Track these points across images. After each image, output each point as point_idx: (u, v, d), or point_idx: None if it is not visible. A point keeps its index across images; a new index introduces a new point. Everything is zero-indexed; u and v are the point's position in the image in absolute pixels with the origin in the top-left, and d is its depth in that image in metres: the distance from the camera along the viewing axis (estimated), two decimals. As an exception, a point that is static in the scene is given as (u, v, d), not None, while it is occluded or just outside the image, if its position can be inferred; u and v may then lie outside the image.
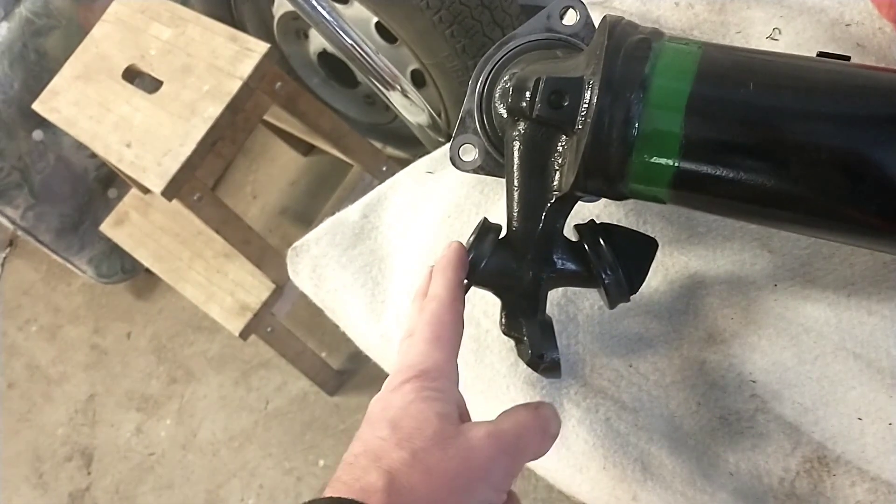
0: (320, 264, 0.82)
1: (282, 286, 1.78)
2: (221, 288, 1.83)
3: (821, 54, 0.57)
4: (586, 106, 0.55)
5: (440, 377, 0.53)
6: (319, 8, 0.85)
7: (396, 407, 0.51)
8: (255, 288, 1.79)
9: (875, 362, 0.59)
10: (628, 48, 0.54)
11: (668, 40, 0.55)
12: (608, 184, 0.56)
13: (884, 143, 0.49)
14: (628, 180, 0.55)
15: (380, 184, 1.85)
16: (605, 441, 0.65)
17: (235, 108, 1.55)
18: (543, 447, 0.54)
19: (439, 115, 1.85)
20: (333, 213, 1.90)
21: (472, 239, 0.63)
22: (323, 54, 1.85)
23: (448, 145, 0.88)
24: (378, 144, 1.97)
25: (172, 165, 1.53)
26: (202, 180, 1.60)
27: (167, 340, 2.35)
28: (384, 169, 1.85)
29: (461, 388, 0.60)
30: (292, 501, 1.94)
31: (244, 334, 1.77)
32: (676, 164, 0.53)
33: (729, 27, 0.78)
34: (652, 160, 0.53)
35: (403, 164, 1.96)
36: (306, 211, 2.28)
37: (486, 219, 0.63)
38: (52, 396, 2.46)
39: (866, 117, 0.50)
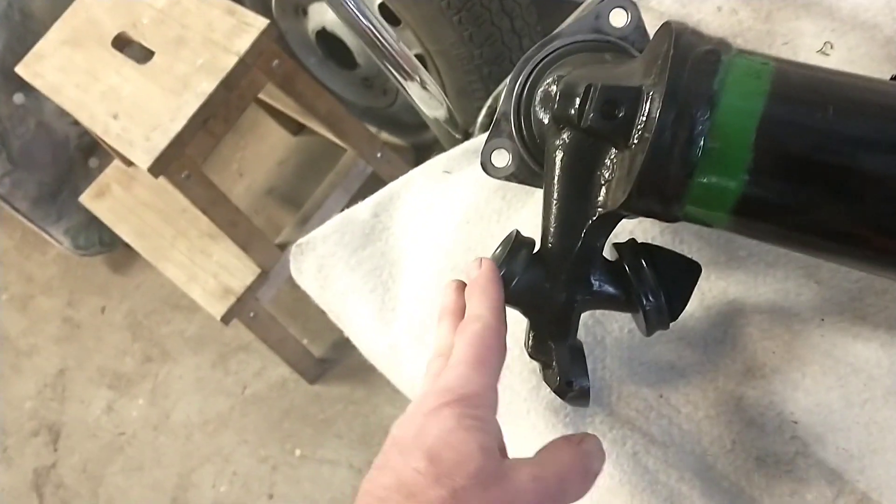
0: (327, 264, 0.77)
1: (267, 271, 1.72)
2: (204, 269, 1.77)
3: (895, 77, 0.53)
4: (644, 119, 0.50)
5: (482, 405, 0.48)
6: (340, -13, 0.80)
7: (434, 435, 0.46)
8: (239, 271, 1.73)
9: (929, 411, 0.56)
10: (695, 60, 0.49)
11: (738, 54, 0.50)
12: (662, 205, 0.51)
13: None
14: (685, 202, 0.50)
15: (374, 170, 1.81)
16: (633, 477, 0.60)
17: (230, 84, 1.49)
18: (585, 489, 0.50)
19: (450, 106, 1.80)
20: (324, 199, 1.86)
21: (498, 252, 0.58)
22: (322, 33, 1.79)
23: (466, 144, 0.83)
24: (373, 129, 1.91)
25: (161, 141, 1.47)
26: (191, 158, 1.54)
27: (143, 317, 2.29)
28: (379, 155, 1.80)
29: None
30: (266, 490, 1.89)
31: (226, 318, 1.72)
32: (741, 190, 0.48)
33: (775, 37, 0.73)
34: (715, 183, 0.49)
35: (399, 150, 1.93)
36: (294, 193, 2.22)
37: (518, 232, 0.59)
38: (20, 368, 2.39)
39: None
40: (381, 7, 1.57)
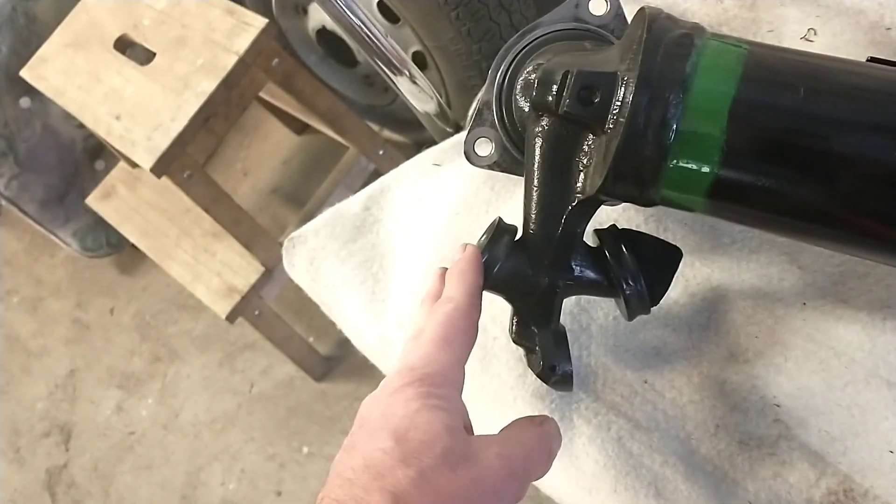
0: (318, 257, 0.77)
1: (271, 269, 1.73)
2: (209, 268, 1.78)
3: (871, 59, 0.53)
4: (619, 104, 0.50)
5: (445, 384, 0.49)
6: (326, -16, 0.80)
7: (399, 415, 0.47)
8: (243, 269, 1.74)
9: (910, 392, 0.56)
10: (668, 44, 0.49)
11: (712, 37, 0.50)
12: (639, 188, 0.51)
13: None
14: (661, 186, 0.51)
15: (376, 167, 1.81)
16: (617, 462, 0.61)
17: (230, 83, 1.50)
18: (546, 468, 0.51)
19: (440, 97, 1.80)
20: (327, 196, 1.87)
21: (483, 239, 0.59)
22: (322, 31, 1.80)
23: (457, 136, 0.84)
24: (375, 127, 1.92)
25: (163, 141, 1.48)
26: (193, 157, 1.55)
27: (151, 318, 2.30)
28: (381, 152, 1.81)
29: (465, 398, 0.57)
30: (274, 488, 1.90)
31: (231, 317, 1.73)
32: (715, 172, 0.49)
33: (760, 24, 0.73)
34: (689, 166, 0.49)
35: (401, 147, 1.94)
36: (298, 191, 2.23)
37: (500, 219, 0.59)
38: (31, 370, 2.41)
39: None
40: (380, 5, 1.58)
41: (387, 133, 1.97)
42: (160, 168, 1.49)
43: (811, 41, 0.71)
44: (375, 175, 1.85)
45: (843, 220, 0.49)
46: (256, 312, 1.78)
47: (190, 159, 1.54)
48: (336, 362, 1.97)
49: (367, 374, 2.06)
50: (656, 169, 0.50)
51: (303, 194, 2.11)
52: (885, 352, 0.57)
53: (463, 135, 0.84)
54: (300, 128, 2.28)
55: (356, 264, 0.76)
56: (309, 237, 0.78)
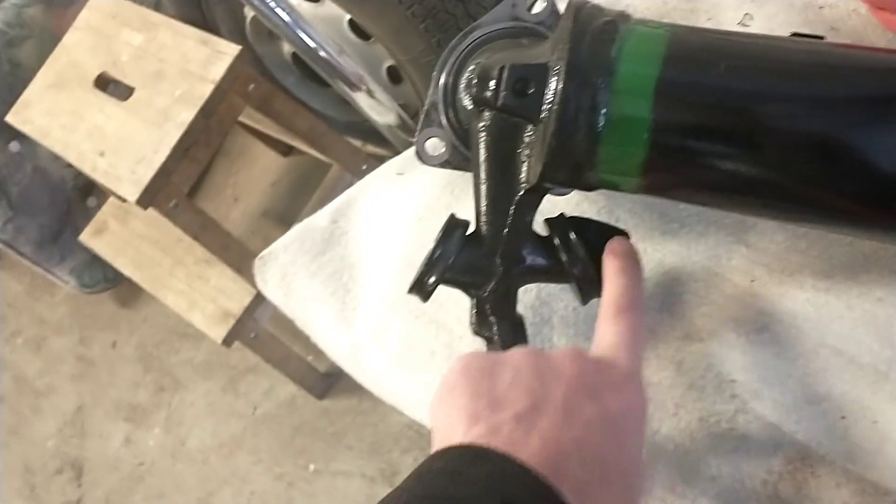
0: (289, 272, 0.79)
1: (264, 291, 1.75)
2: (203, 295, 1.80)
3: (795, 34, 0.55)
4: (552, 93, 0.53)
5: None
6: (278, 10, 0.82)
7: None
8: (236, 293, 1.76)
9: (857, 358, 0.57)
10: (594, 32, 0.52)
11: (636, 23, 0.53)
12: (576, 173, 0.53)
13: (861, 125, 0.48)
14: (597, 169, 0.53)
15: (359, 183, 1.83)
16: (583, 447, 0.63)
17: (208, 111, 1.52)
18: None
19: (418, 111, 1.82)
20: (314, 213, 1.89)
21: (438, 235, 0.61)
22: (297, 54, 1.82)
23: (417, 145, 0.86)
24: (357, 143, 1.94)
25: (146, 173, 1.51)
26: (178, 186, 1.58)
27: (153, 348, 2.33)
28: (364, 168, 1.83)
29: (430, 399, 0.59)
30: (283, 508, 1.92)
31: (227, 341, 1.75)
32: (646, 151, 0.51)
33: (699, 14, 0.76)
34: (621, 148, 0.51)
35: (384, 160, 1.95)
36: (288, 212, 2.26)
37: (452, 214, 0.62)
38: (40, 409, 2.44)
39: (842, 98, 0.49)
40: (351, 23, 1.60)
41: (370, 148, 1.99)
42: (146, 199, 1.51)
43: (748, 26, 0.73)
44: (361, 191, 1.87)
45: (772, 189, 0.51)
46: (252, 335, 1.80)
47: (175, 188, 1.56)
48: (336, 379, 1.99)
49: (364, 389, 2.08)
50: (591, 153, 0.52)
51: (292, 214, 2.14)
52: (829, 321, 0.59)
53: (422, 143, 0.86)
54: (286, 150, 2.31)
55: (326, 276, 0.78)
56: (279, 254, 0.80)
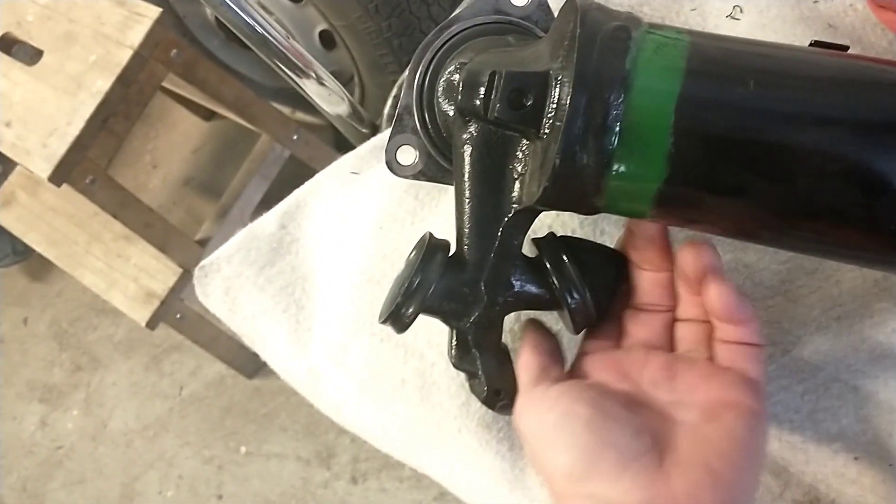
0: (234, 286, 0.71)
1: (190, 269, 1.65)
2: (124, 274, 1.69)
3: (815, 43, 0.49)
4: (555, 106, 0.46)
5: None
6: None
7: None
8: (160, 273, 1.66)
9: (873, 396, 0.53)
10: (604, 39, 0.45)
11: (650, 29, 0.46)
12: (580, 198, 0.47)
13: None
14: (604, 195, 0.46)
15: (291, 153, 1.74)
16: (574, 490, 0.57)
17: (127, 80, 1.40)
18: None
19: (352, 79, 1.73)
20: (243, 188, 1.79)
21: (413, 256, 0.54)
22: (222, 14, 1.70)
23: (374, 140, 0.78)
24: (286, 110, 1.84)
25: (59, 147, 1.38)
26: (95, 161, 1.46)
27: (68, 325, 2.20)
28: (295, 137, 1.73)
29: (403, 432, 0.52)
30: (214, 492, 1.84)
31: (151, 324, 1.65)
32: (663, 178, 0.44)
33: (682, 4, 0.69)
34: (634, 172, 0.45)
35: (316, 130, 1.86)
36: (213, 181, 2.14)
37: (431, 235, 0.55)
38: (-54, 390, 2.29)
39: (886, 123, 0.43)
40: (280, -17, 1.49)
41: (299, 115, 1.89)
42: (59, 176, 1.40)
43: (737, 19, 0.67)
44: (292, 161, 1.78)
45: (800, 222, 0.45)
46: (178, 316, 1.70)
47: (91, 164, 1.44)
48: (268, 357, 1.91)
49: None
50: (598, 177, 0.45)
51: (217, 184, 2.03)
52: (843, 354, 0.55)
53: (380, 138, 0.79)
54: (208, 114, 2.18)
55: (276, 291, 0.70)
56: (222, 264, 0.72)
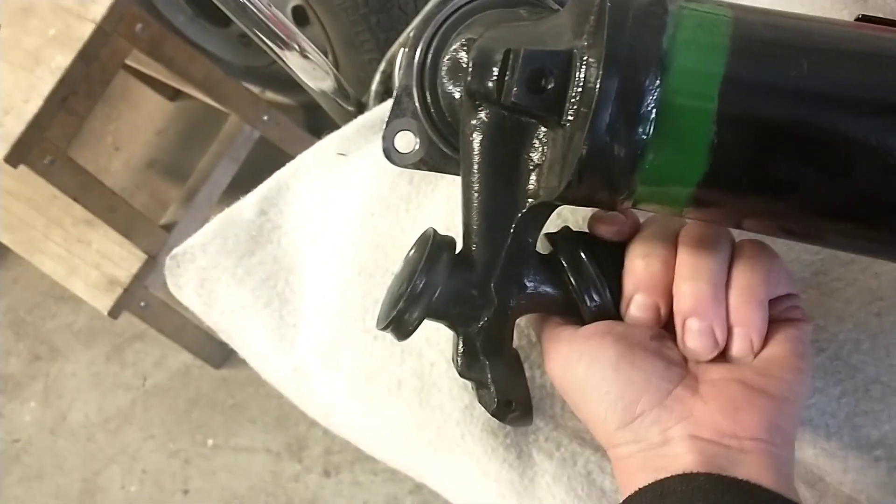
0: (210, 278, 0.65)
1: (155, 256, 1.58)
2: (85, 260, 1.61)
3: (863, 18, 0.44)
4: (580, 90, 0.40)
5: None
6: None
7: None
8: (123, 260, 1.58)
9: (919, 400, 0.49)
10: (637, 14, 0.39)
11: (686, 3, 0.41)
12: (608, 193, 0.42)
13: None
14: (635, 191, 0.41)
15: (262, 134, 1.67)
16: (588, 503, 0.53)
17: (88, 56, 1.34)
18: None
19: (325, 55, 1.66)
20: (210, 170, 1.72)
21: (413, 255, 0.49)
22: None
23: (361, 119, 0.72)
24: (256, 89, 1.77)
25: (16, 126, 1.32)
26: (54, 142, 1.38)
27: (25, 313, 2.11)
28: (265, 118, 1.66)
29: (402, 439, 0.50)
30: (180, 486, 1.78)
31: (114, 312, 1.58)
32: (704, 171, 0.39)
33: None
34: (672, 165, 0.40)
35: (287, 110, 1.79)
36: (178, 164, 2.06)
37: (434, 231, 0.49)
38: None
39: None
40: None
41: (269, 95, 1.82)
42: (16, 157, 1.33)
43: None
44: (262, 143, 1.71)
45: (859, 220, 0.41)
46: (142, 304, 1.63)
47: (50, 144, 1.37)
48: (235, 347, 1.85)
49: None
50: (630, 171, 0.40)
51: (183, 167, 1.95)
52: (885, 353, 0.50)
53: (368, 116, 0.73)
54: (173, 94, 2.10)
55: (257, 283, 0.64)
56: (196, 254, 0.66)
